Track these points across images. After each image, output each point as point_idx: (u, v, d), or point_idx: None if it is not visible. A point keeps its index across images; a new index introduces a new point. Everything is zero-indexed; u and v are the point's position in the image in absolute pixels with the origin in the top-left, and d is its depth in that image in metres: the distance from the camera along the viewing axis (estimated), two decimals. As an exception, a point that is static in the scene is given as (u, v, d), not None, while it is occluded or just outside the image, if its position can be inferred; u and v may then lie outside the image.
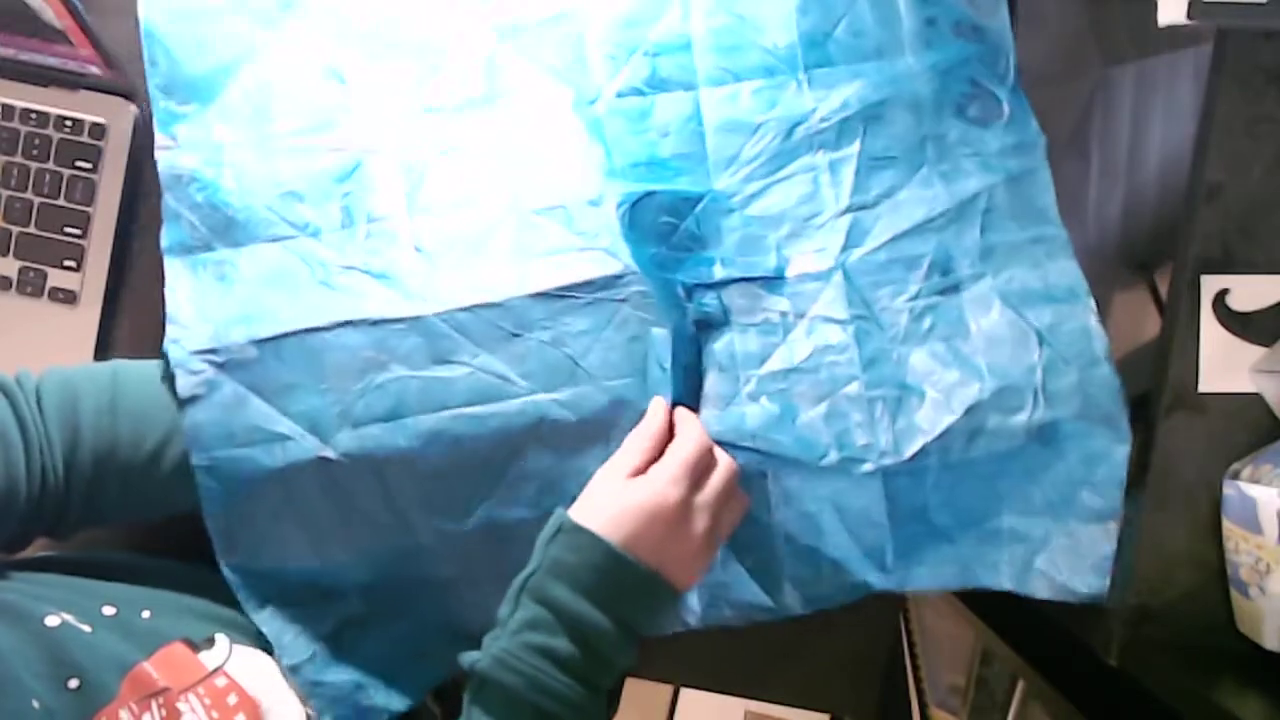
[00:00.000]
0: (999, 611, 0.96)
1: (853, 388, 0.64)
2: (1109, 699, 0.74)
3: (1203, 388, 0.63)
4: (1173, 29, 0.62)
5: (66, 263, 0.73)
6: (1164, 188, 0.90)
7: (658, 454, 0.59)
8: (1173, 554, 0.63)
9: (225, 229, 0.64)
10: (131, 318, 0.74)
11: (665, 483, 0.56)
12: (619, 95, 0.66)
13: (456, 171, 0.65)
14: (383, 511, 0.63)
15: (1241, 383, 0.62)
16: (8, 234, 0.73)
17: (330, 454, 0.61)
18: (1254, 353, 0.62)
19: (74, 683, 0.49)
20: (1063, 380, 0.64)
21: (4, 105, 0.73)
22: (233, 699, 0.54)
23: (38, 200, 0.73)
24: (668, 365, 0.62)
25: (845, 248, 0.65)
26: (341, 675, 0.63)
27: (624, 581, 0.54)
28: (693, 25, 0.66)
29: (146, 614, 0.57)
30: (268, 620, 0.62)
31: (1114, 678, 0.65)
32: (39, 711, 0.47)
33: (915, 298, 0.65)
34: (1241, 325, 0.62)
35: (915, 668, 1.26)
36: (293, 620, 0.63)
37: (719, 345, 0.65)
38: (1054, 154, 0.69)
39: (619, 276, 0.62)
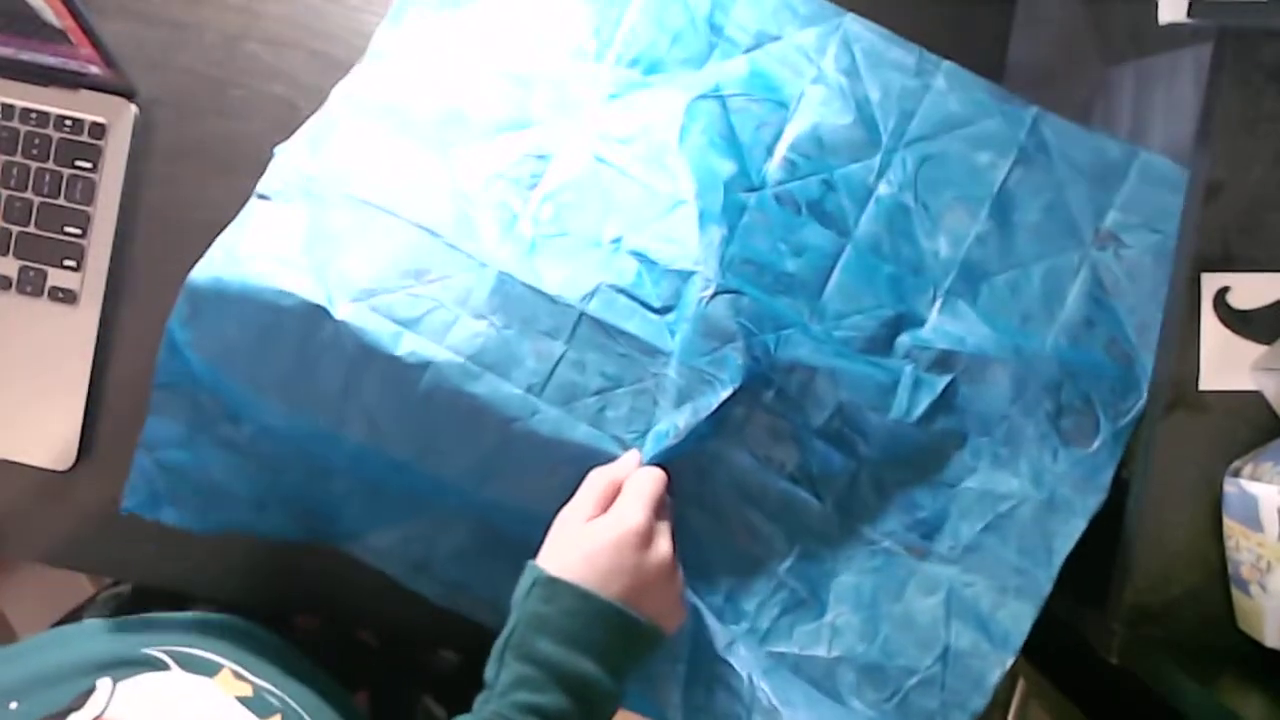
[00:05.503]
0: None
1: (777, 562, 0.65)
2: (1109, 697, 0.75)
3: (1203, 385, 0.63)
4: (1173, 28, 0.62)
5: (66, 262, 0.73)
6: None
7: (613, 499, 0.58)
8: (1173, 552, 0.63)
9: (396, 113, 0.66)
10: (131, 318, 0.74)
11: (627, 512, 0.56)
12: (778, 199, 0.66)
13: (595, 179, 0.65)
14: (335, 395, 0.62)
15: (1242, 380, 0.62)
16: (8, 233, 0.73)
17: (331, 310, 0.60)
18: (1254, 350, 0.62)
19: None
20: (926, 702, 0.63)
21: (4, 105, 0.73)
22: None
23: (38, 200, 0.73)
24: (665, 445, 0.61)
25: (878, 454, 0.65)
26: (180, 457, 0.64)
27: (604, 622, 0.54)
28: (880, 185, 0.66)
29: (14, 705, 0.54)
30: (160, 400, 0.64)
31: (1114, 676, 0.65)
32: None
33: (886, 535, 0.65)
34: (1242, 323, 0.62)
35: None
36: (180, 413, 0.65)
37: (709, 452, 0.65)
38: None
39: (662, 354, 0.62)
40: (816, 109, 0.67)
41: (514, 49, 0.68)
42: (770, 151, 0.67)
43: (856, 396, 0.64)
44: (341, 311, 0.60)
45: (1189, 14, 0.60)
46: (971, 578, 0.64)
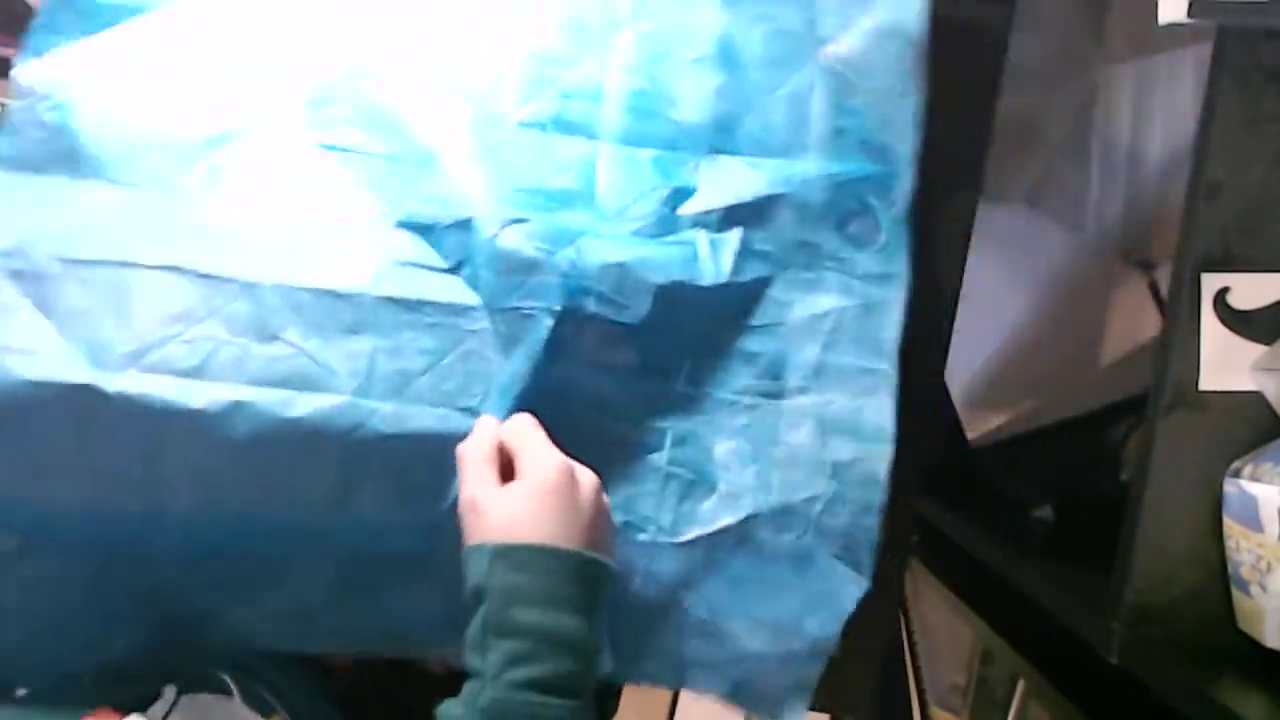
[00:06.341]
0: (999, 611, 0.96)
1: (656, 457, 0.65)
2: (1110, 698, 0.75)
3: (1203, 386, 0.63)
4: (1173, 27, 0.62)
5: (66, 262, 0.73)
6: (1164, 186, 0.90)
7: (502, 456, 0.57)
8: (1174, 552, 0.63)
9: (68, 158, 0.60)
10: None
11: (540, 459, 0.55)
12: (521, 125, 0.65)
13: (333, 169, 0.63)
14: (138, 466, 0.57)
15: (1242, 381, 0.62)
16: (7, 233, 0.73)
17: (104, 387, 0.54)
18: (1255, 350, 0.62)
19: None
20: (835, 520, 0.65)
21: (4, 105, 0.73)
22: None
23: (37, 199, 0.73)
24: (509, 400, 0.60)
25: (707, 321, 0.65)
26: None
27: (575, 573, 0.53)
28: (609, 78, 0.66)
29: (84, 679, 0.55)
30: None
31: (1115, 676, 0.65)
32: None
33: (741, 393, 0.66)
34: (1242, 323, 0.62)
35: (915, 667, 1.26)
36: None
37: (554, 380, 0.63)
38: (1054, 154, 0.69)
39: (471, 308, 0.61)
40: (525, 33, 0.66)
41: (184, 65, 0.64)
42: (499, 86, 0.66)
43: (669, 275, 0.63)
44: (115, 383, 0.55)
45: (1189, 14, 0.60)
46: (828, 396, 0.66)
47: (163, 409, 0.55)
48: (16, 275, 0.56)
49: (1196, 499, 0.63)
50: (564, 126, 0.65)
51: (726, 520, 0.65)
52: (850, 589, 0.66)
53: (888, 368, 0.66)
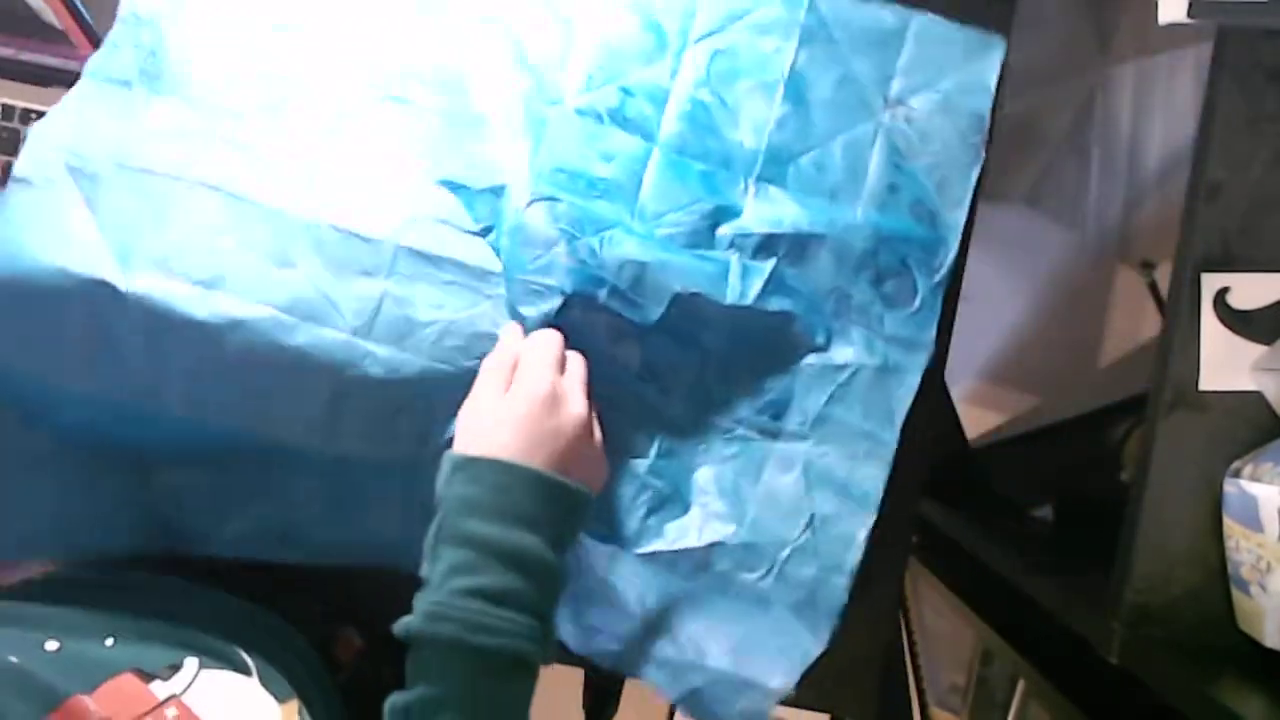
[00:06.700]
0: (999, 611, 0.96)
1: (638, 463, 0.65)
2: (1110, 698, 0.74)
3: (1203, 386, 0.63)
4: (1173, 27, 0.62)
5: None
6: (1164, 186, 0.90)
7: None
8: (1174, 552, 0.63)
9: (155, 77, 0.62)
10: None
11: (528, 378, 0.55)
12: (578, 110, 0.65)
13: (388, 120, 0.64)
14: (141, 364, 0.59)
15: (1242, 381, 0.62)
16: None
17: (119, 285, 0.57)
18: (1255, 350, 0.62)
19: None
20: (802, 570, 0.65)
21: (4, 105, 0.73)
22: None
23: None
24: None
25: (720, 343, 0.65)
26: None
27: (533, 491, 0.53)
28: (676, 86, 0.66)
29: (109, 641, 0.55)
30: None
31: (1115, 676, 0.65)
32: None
33: (738, 422, 0.66)
34: (1242, 323, 0.62)
35: (915, 667, 1.26)
36: None
37: None
38: (1054, 154, 0.69)
39: (492, 273, 0.61)
40: (601, 20, 0.67)
41: (279, 5, 0.65)
42: (563, 66, 0.66)
43: (690, 286, 0.63)
44: (132, 282, 0.57)
45: (1189, 14, 0.61)
46: (824, 449, 0.66)
47: (169, 313, 0.57)
48: (75, 171, 0.59)
49: (1196, 499, 0.63)
50: (620, 121, 0.66)
51: (689, 543, 0.65)
52: (806, 648, 0.65)
53: (890, 439, 0.65)
